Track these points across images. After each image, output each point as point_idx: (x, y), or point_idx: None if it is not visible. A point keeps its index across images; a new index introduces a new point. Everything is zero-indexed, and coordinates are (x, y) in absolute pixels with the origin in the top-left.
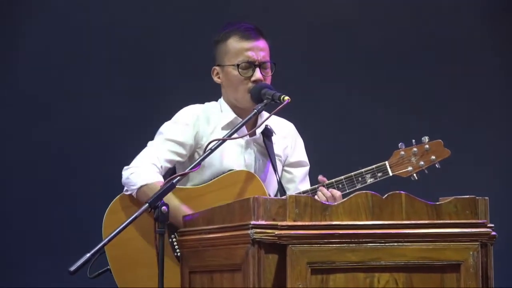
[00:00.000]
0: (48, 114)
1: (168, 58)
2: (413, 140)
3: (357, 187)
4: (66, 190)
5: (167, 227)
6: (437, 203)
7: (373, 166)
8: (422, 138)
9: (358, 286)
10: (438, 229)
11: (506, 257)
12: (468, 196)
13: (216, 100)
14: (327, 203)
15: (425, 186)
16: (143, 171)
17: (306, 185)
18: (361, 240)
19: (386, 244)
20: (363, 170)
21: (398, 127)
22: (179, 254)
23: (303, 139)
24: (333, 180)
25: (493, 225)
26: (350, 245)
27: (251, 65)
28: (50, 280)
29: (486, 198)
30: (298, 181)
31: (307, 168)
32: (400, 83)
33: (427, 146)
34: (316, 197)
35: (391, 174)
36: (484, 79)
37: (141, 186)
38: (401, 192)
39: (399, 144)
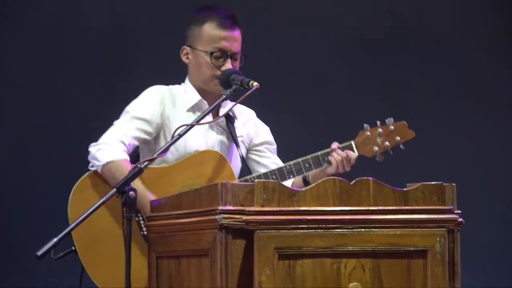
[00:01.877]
0: None
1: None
2: (378, 121)
3: (324, 166)
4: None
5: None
6: (405, 189)
7: (340, 145)
8: (387, 120)
9: (325, 272)
10: (405, 215)
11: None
12: (435, 183)
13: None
14: (295, 189)
15: (393, 173)
16: (110, 148)
17: (278, 162)
18: (328, 226)
19: (354, 230)
20: (329, 149)
21: (365, 111)
22: (145, 233)
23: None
24: (299, 159)
25: (460, 211)
26: (318, 230)
27: (223, 55)
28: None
29: (453, 184)
30: (269, 158)
31: (274, 146)
32: (370, 69)
33: (392, 127)
34: (330, 158)
35: (357, 154)
36: (454, 68)
37: (107, 163)
38: (369, 178)
39: (364, 125)
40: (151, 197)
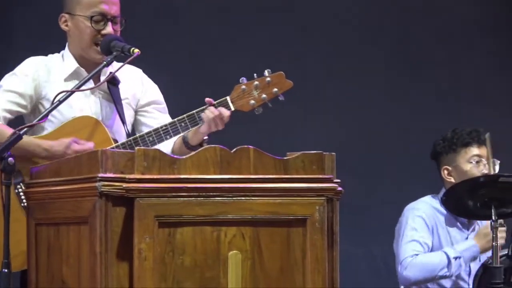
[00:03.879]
0: None
1: None
2: (255, 74)
3: (200, 125)
4: None
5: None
6: (285, 158)
7: (215, 102)
8: (265, 71)
9: (205, 240)
10: (285, 183)
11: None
12: (315, 152)
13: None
14: (176, 156)
15: (274, 142)
16: None
17: (167, 118)
18: (208, 194)
19: (234, 198)
20: (204, 107)
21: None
22: (25, 204)
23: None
24: (175, 119)
25: (339, 180)
26: (198, 198)
27: (104, 18)
28: None
29: (333, 154)
30: (156, 118)
31: (163, 105)
32: None
33: (268, 78)
34: (202, 115)
35: (233, 108)
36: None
37: None
38: (249, 146)
39: (240, 79)
40: (47, 143)
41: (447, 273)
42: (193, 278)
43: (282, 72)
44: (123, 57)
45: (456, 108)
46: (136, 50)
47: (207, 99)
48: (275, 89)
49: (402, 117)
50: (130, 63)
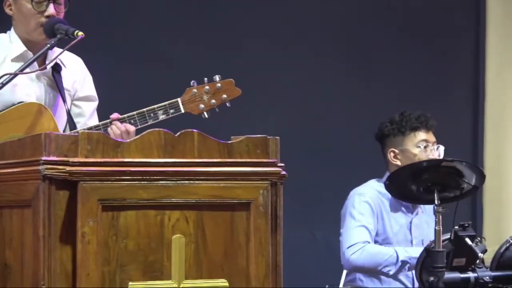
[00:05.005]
0: None
1: None
2: (205, 79)
3: (149, 123)
4: None
5: None
6: (229, 142)
7: (166, 102)
8: (214, 77)
9: (149, 223)
10: (229, 167)
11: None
12: (259, 136)
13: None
14: (119, 140)
15: (219, 126)
16: None
17: (94, 121)
18: (152, 177)
19: (177, 182)
20: (155, 106)
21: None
22: None
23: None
24: (125, 115)
25: (283, 164)
26: (142, 182)
27: None
28: None
29: (277, 138)
30: (88, 116)
31: (96, 103)
32: None
33: (219, 84)
34: (109, 130)
35: (183, 111)
36: None
37: None
38: (194, 130)
39: (192, 82)
40: None
41: (390, 272)
42: (137, 262)
43: (232, 79)
44: (67, 41)
45: (398, 96)
46: (80, 33)
47: (112, 115)
48: (224, 96)
49: (346, 101)
50: (73, 49)
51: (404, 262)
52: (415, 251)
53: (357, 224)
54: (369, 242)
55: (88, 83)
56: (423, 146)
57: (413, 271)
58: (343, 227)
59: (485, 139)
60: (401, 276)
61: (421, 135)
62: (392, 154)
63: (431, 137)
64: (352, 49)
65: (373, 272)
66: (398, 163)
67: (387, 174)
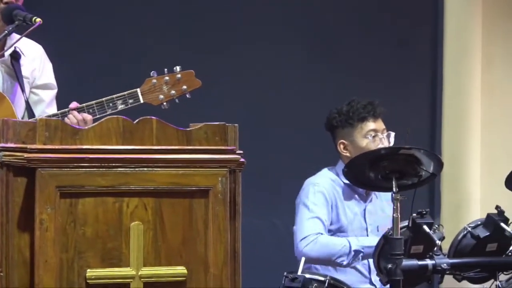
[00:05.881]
0: None
1: None
2: (166, 69)
3: (108, 113)
4: None
5: None
6: (188, 129)
7: (125, 92)
8: (174, 68)
9: (107, 211)
10: (188, 155)
11: (253, 183)
12: (218, 123)
13: None
14: (77, 127)
15: (177, 114)
16: None
17: (53, 109)
18: (110, 164)
19: (136, 169)
20: (114, 96)
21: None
22: None
23: None
24: (83, 104)
25: (242, 151)
26: (100, 169)
27: None
28: None
29: (235, 125)
30: (46, 104)
31: (55, 91)
32: None
33: (179, 75)
34: (66, 119)
35: (142, 101)
36: None
37: None
38: (152, 117)
39: (151, 72)
40: None
41: (344, 262)
42: (95, 249)
43: (192, 70)
44: (26, 28)
45: (358, 84)
46: (38, 20)
47: (71, 104)
48: (184, 87)
49: (306, 89)
50: (34, 36)
51: (357, 252)
52: (368, 240)
53: (311, 215)
54: (322, 234)
55: (48, 71)
56: (371, 137)
57: (369, 259)
58: (297, 217)
59: (443, 127)
60: (358, 264)
61: (369, 125)
62: (342, 145)
63: (380, 125)
64: (313, 37)
65: (327, 263)
66: (348, 154)
67: (340, 162)
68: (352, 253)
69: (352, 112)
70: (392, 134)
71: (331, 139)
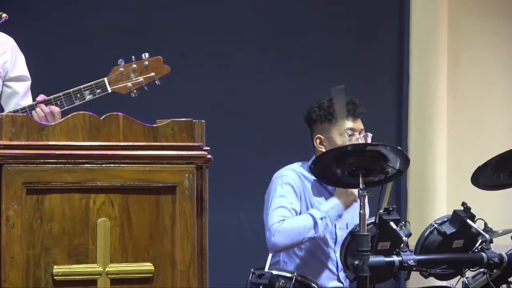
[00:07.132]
0: None
1: None
2: (133, 57)
3: (76, 104)
4: None
5: None
6: (154, 125)
7: (92, 82)
8: (143, 55)
9: (74, 207)
10: (155, 151)
11: (220, 179)
12: (184, 119)
13: None
14: (44, 123)
15: (144, 110)
16: None
17: (28, 100)
18: (77, 161)
19: (103, 166)
20: (81, 86)
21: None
22: None
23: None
24: (51, 97)
25: (209, 148)
26: (67, 165)
27: None
28: None
29: (202, 121)
30: (21, 96)
31: (28, 82)
32: None
33: (146, 62)
34: (34, 113)
35: (109, 90)
36: None
37: None
38: (119, 113)
39: (119, 61)
40: None
41: (315, 235)
42: (62, 245)
43: (160, 57)
44: None
45: (323, 80)
46: (4, 15)
47: (38, 97)
48: (153, 73)
49: (272, 85)
50: (5, 29)
51: (322, 219)
52: (328, 204)
53: (277, 205)
54: (283, 220)
55: (20, 63)
56: (348, 135)
57: (338, 256)
58: (265, 210)
59: (409, 123)
60: (329, 263)
61: (348, 123)
62: (318, 140)
63: (358, 125)
64: (277, 34)
65: (300, 244)
66: (323, 149)
67: (314, 158)
68: (319, 221)
69: (333, 108)
70: (370, 135)
71: (302, 134)
